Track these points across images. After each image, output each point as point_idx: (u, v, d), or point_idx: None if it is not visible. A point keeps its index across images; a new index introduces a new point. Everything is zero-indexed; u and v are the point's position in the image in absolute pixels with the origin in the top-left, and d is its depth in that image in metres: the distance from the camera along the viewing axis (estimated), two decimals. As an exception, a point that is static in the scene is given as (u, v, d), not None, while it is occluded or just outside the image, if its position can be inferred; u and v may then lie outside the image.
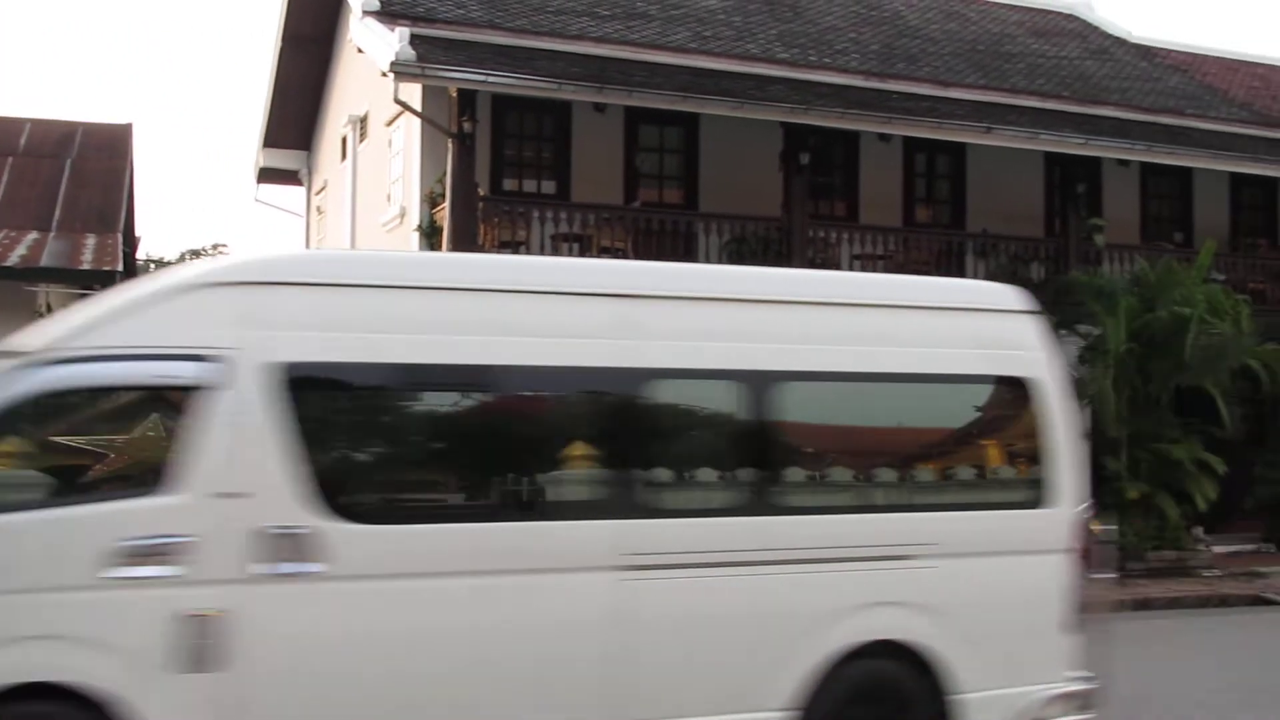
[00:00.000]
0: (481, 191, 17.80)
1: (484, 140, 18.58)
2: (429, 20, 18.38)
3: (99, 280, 16.93)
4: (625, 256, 18.38)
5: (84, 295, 13.97)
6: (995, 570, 7.58)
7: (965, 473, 8.09)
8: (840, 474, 7.74)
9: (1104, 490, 19.75)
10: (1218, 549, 20.17)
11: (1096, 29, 27.05)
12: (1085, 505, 20.03)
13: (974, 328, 7.91)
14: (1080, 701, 7.79)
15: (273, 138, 26.90)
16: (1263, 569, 19.49)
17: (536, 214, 17.98)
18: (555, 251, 18.02)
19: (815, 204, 20.42)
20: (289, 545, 6.21)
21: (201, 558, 6.09)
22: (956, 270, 20.60)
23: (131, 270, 21.53)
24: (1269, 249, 23.86)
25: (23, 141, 23.40)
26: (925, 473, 7.99)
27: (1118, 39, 26.78)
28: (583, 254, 18.21)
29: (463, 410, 7.18)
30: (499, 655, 6.51)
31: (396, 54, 16.36)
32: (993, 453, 8.22)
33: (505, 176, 19.44)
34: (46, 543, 5.95)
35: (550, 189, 19.70)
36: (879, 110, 19.40)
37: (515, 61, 17.69)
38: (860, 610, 7.22)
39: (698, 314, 7.30)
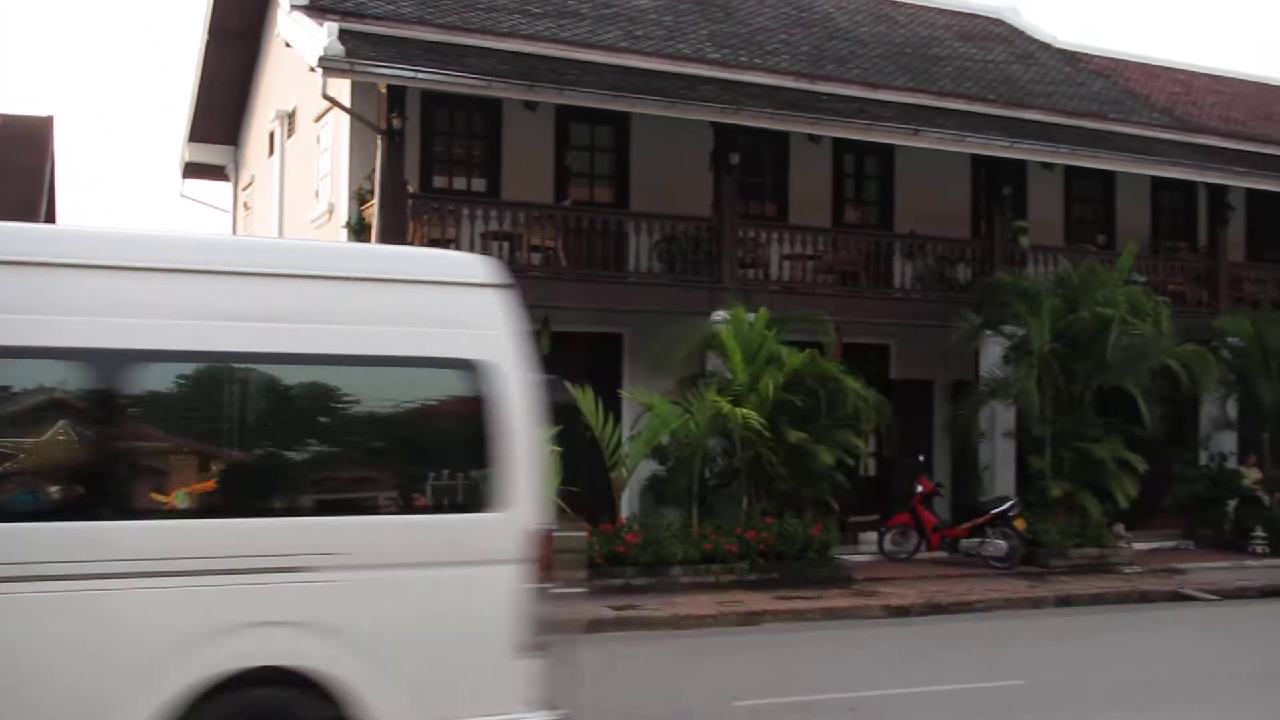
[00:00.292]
0: (411, 188, 17.70)
1: (413, 137, 18.48)
2: (358, 15, 18.24)
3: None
4: (555, 255, 18.38)
5: None
6: (423, 584, 6.56)
7: (388, 470, 6.98)
8: (213, 471, 6.62)
9: (1029, 488, 20.07)
10: (1138, 546, 20.53)
11: (1022, 34, 27.42)
12: (1011, 502, 20.20)
13: (418, 302, 6.87)
14: None
15: (199, 132, 26.55)
16: (1181, 566, 19.85)
17: (466, 212, 17.92)
18: (485, 250, 17.97)
19: (745, 204, 20.53)
20: None
21: None
22: (885, 271, 20.81)
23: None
24: (1188, 251, 24.31)
25: (-61, 134, 22.95)
26: (331, 469, 6.91)
27: (1043, 44, 27.16)
28: (513, 253, 18.18)
29: None
30: None
31: (325, 49, 16.21)
32: (427, 447, 7.08)
33: (435, 174, 19.35)
34: None
35: (480, 187, 19.64)
36: (809, 111, 19.53)
37: (445, 58, 17.60)
38: (236, 631, 6.19)
39: (27, 281, 6.20)
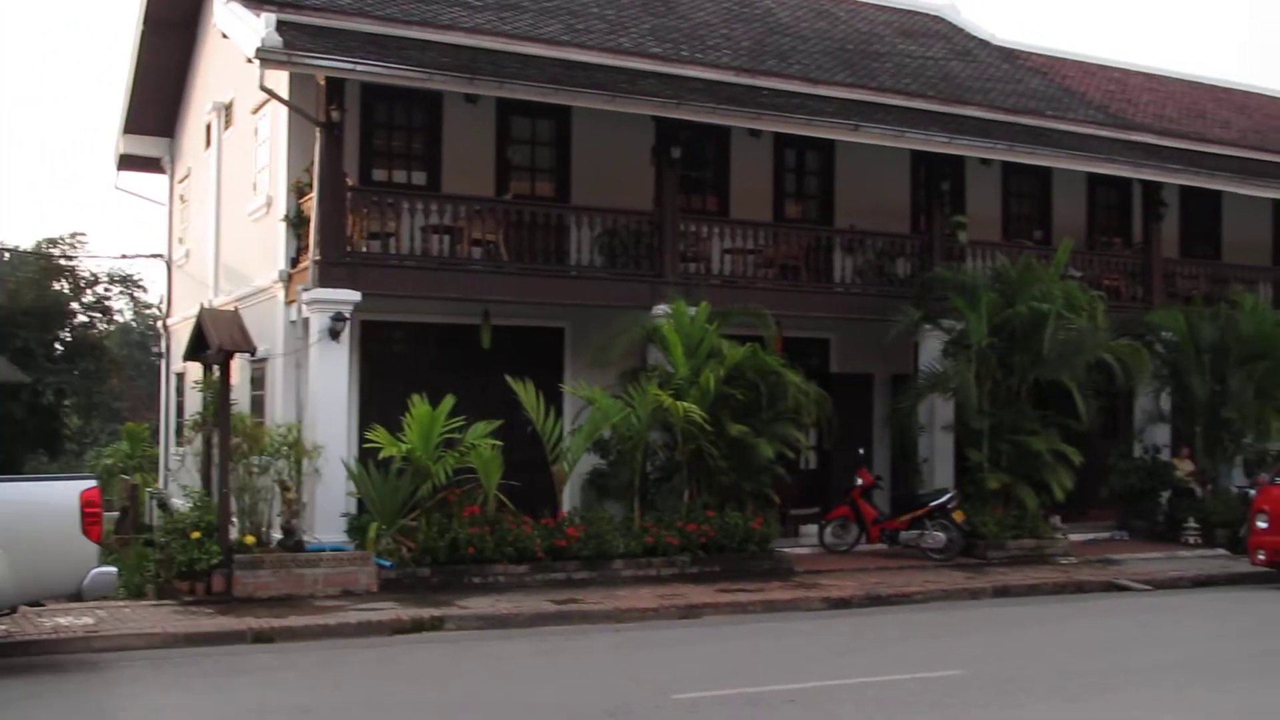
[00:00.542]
0: (350, 181, 17.56)
1: (353, 130, 18.32)
2: (296, 6, 18.04)
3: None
4: (496, 249, 18.31)
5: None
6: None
7: None
8: None
9: (967, 481, 20.26)
10: (1074, 537, 20.80)
11: (961, 31, 27.65)
12: (949, 495, 20.52)
13: None
14: None
15: (134, 124, 26.19)
16: (1116, 556, 20.14)
17: (406, 205, 17.80)
18: (425, 243, 17.88)
19: (687, 198, 20.54)
20: None
21: None
22: (826, 265, 20.90)
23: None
24: (1123, 247, 24.63)
25: None
26: None
27: (981, 41, 27.40)
28: (454, 246, 18.09)
29: None
30: None
31: (262, 40, 16.03)
32: None
33: (374, 167, 19.20)
34: None
35: (421, 180, 19.51)
36: (750, 106, 19.57)
37: (385, 50, 17.47)
38: None
39: None
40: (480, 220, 18.24)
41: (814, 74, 22.01)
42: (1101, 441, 23.07)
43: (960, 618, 14.96)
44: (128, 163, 27.48)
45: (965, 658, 11.99)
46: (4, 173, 65.30)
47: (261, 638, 12.79)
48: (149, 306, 39.84)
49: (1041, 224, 25.02)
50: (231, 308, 18.15)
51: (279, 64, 16.37)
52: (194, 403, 18.82)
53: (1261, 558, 18.05)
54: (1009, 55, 27.18)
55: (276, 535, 15.62)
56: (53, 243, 32.41)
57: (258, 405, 18.98)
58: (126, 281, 34.05)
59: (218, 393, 15.49)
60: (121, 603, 14.54)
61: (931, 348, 20.82)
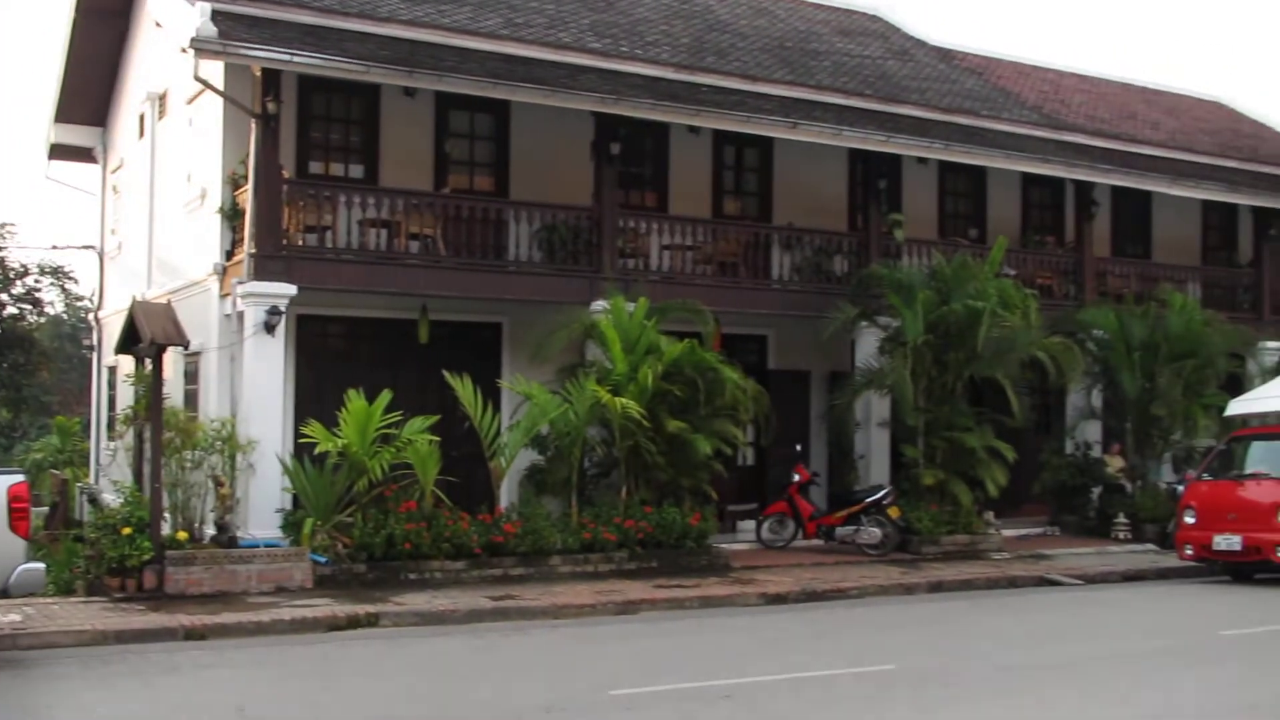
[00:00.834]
0: (286, 174, 17.40)
1: (289, 122, 18.15)
2: (232, -4, 17.82)
3: None
4: (434, 243, 18.22)
5: None
6: None
7: None
8: None
9: (902, 477, 20.45)
10: (1007, 533, 21.05)
11: (898, 30, 27.86)
12: (885, 491, 20.73)
13: None
14: None
15: (66, 113, 25.80)
16: (1048, 551, 20.41)
17: (343, 198, 17.67)
18: (363, 237, 17.75)
19: (626, 194, 20.56)
20: None
21: None
22: (764, 262, 20.99)
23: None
24: (1056, 246, 24.94)
25: None
26: None
27: (918, 41, 27.63)
28: (391, 240, 17.98)
29: None
30: None
31: (197, 30, 15.84)
32: None
33: (311, 159, 19.03)
34: None
35: (358, 173, 19.37)
36: (689, 103, 19.60)
37: (323, 42, 17.32)
38: None
39: None
40: (418, 214, 18.14)
41: (753, 71, 22.09)
42: (1034, 438, 23.38)
43: (895, 613, 15.10)
44: (59, 152, 27.08)
45: (899, 652, 12.10)
46: (-70, 161, 64.06)
47: (194, 635, 12.65)
48: (80, 299, 39.18)
49: (977, 222, 25.28)
50: (165, 300, 17.93)
51: (214, 54, 16.19)
52: (126, 397, 18.55)
53: (1189, 552, 18.38)
54: (945, 55, 27.43)
55: (210, 531, 15.45)
56: (-19, 233, 31.79)
57: (191, 399, 18.77)
58: (57, 273, 33.46)
59: (150, 386, 15.29)
60: (50, 599, 14.30)
61: (868, 345, 20.99)
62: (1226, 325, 23.36)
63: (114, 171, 25.95)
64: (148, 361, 15.56)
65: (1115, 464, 23.16)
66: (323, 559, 15.35)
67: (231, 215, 17.90)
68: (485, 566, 16.04)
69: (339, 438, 15.77)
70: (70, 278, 34.76)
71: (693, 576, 16.75)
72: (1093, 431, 23.80)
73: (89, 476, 26.76)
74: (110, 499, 17.97)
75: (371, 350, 19.15)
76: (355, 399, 15.89)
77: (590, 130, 19.23)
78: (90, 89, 25.17)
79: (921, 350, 19.59)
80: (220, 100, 17.60)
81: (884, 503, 19.53)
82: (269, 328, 16.70)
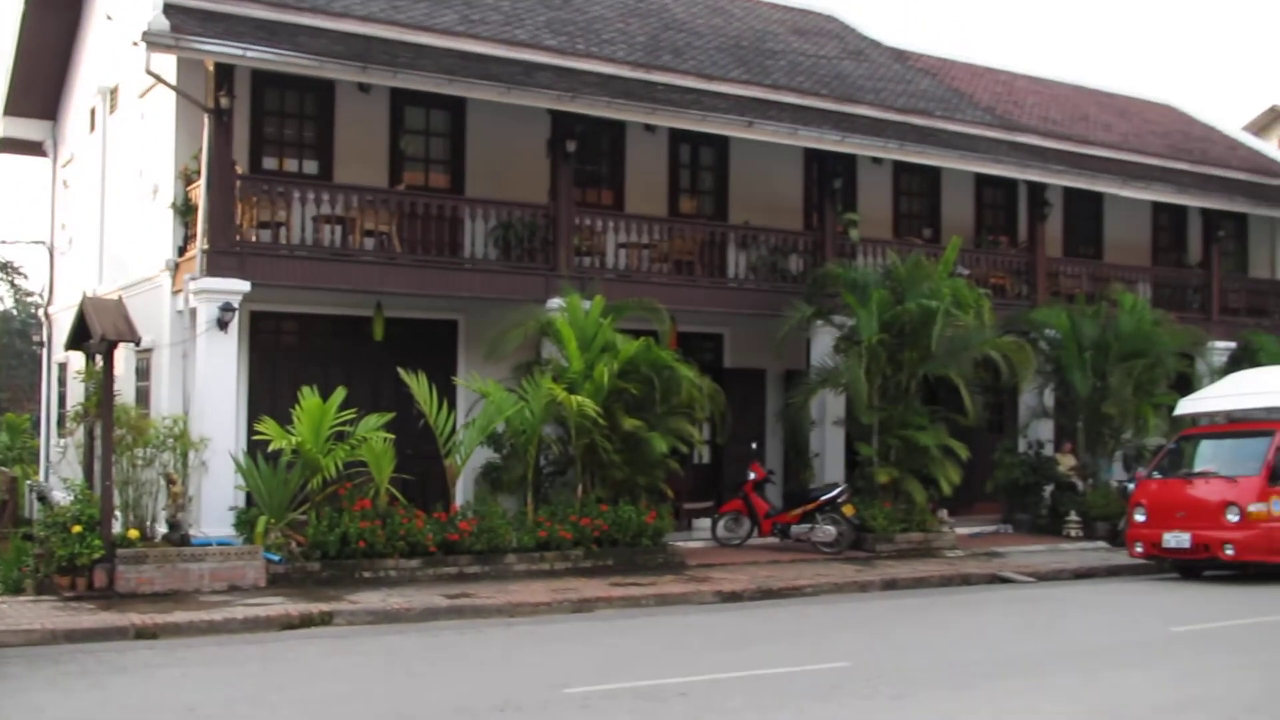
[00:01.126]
0: (239, 169, 17.26)
1: (243, 117, 18.02)
2: (185, -10, 17.66)
3: None
4: (389, 240, 18.13)
5: None
6: None
7: None
8: None
9: (857, 475, 20.55)
10: (961, 530, 21.21)
11: (854, 31, 27.98)
12: (840, 489, 20.81)
13: None
14: None
15: (15, 106, 25.42)
16: (1001, 549, 20.58)
17: (297, 194, 17.54)
18: (317, 233, 17.64)
19: (582, 192, 20.55)
20: None
21: None
22: (719, 261, 21.03)
23: None
24: (1009, 246, 25.14)
25: None
26: None
27: (873, 41, 27.76)
28: (346, 237, 17.88)
29: None
30: None
31: (149, 23, 15.69)
32: None
33: (265, 155, 18.89)
34: None
35: (312, 169, 19.24)
36: (645, 101, 19.61)
37: (276, 36, 17.19)
38: None
39: None
40: (373, 211, 18.05)
41: (709, 70, 22.13)
42: (987, 436, 23.58)
43: (849, 610, 15.17)
44: (7, 146, 26.71)
45: (853, 649, 12.16)
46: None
47: (145, 634, 12.53)
48: (30, 294, 38.76)
49: (931, 222, 25.45)
50: (116, 296, 17.73)
51: (166, 48, 16.02)
52: (76, 393, 18.35)
53: (1140, 550, 18.59)
54: (900, 56, 27.58)
55: (161, 529, 15.30)
56: (-73, 228, 31.38)
57: (143, 396, 18.58)
58: (6, 268, 33.12)
59: (100, 383, 15.12)
60: (-2, 599, 14.14)
61: (823, 343, 21.08)
62: (1176, 325, 23.65)
63: (64, 166, 25.64)
64: (98, 358, 15.39)
65: (1067, 462, 23.37)
66: (276, 557, 15.24)
67: (184, 211, 17.74)
68: (440, 565, 15.99)
69: (293, 435, 15.67)
70: (20, 273, 34.38)
71: (648, 575, 16.76)
72: (1045, 430, 24.02)
73: (38, 474, 26.42)
74: (60, 497, 17.77)
75: (326, 347, 19.04)
76: (309, 396, 15.79)
77: (546, 128, 19.20)
78: (40, 82, 24.84)
79: (876, 349, 19.68)
80: (173, 94, 17.43)
81: (839, 501, 19.61)
82: (222, 324, 16.56)
